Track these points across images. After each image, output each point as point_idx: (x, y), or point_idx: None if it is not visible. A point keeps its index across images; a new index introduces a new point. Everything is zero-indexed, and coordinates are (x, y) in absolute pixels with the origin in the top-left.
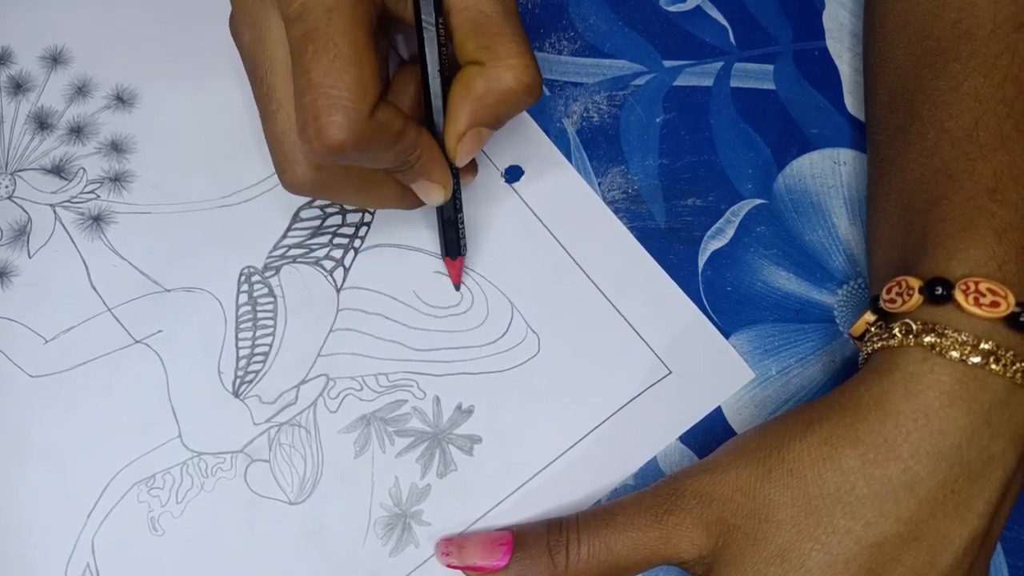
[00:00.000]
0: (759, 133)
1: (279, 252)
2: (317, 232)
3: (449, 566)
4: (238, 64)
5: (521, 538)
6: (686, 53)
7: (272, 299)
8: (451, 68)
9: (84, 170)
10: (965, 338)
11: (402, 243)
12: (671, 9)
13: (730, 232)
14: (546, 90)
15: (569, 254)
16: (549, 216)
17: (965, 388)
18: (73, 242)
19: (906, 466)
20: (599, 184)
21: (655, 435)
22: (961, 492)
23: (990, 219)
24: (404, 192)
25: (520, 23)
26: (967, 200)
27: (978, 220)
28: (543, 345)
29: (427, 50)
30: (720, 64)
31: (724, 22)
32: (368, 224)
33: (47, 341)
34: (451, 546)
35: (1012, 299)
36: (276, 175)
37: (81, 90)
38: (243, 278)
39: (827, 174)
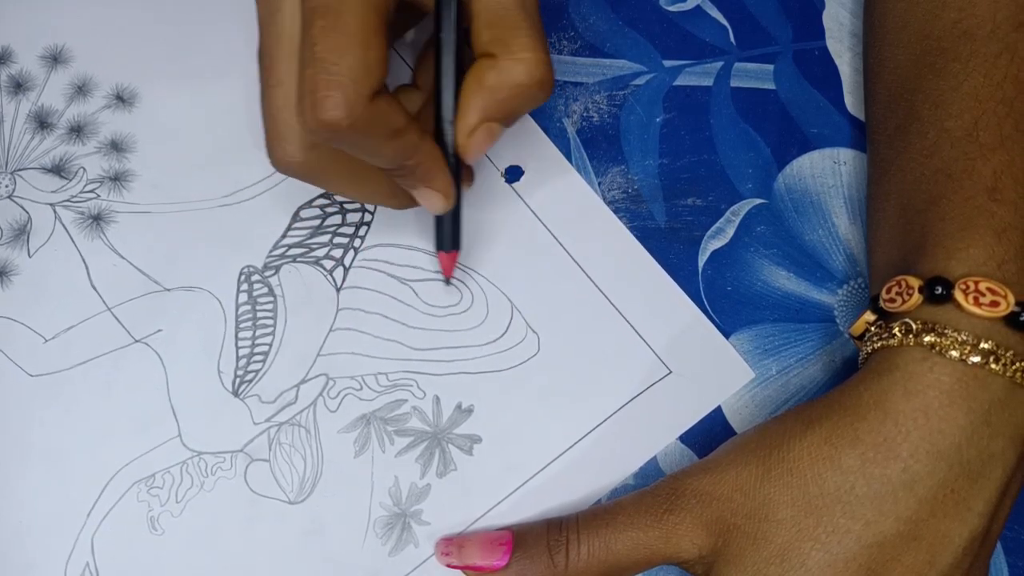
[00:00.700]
0: (759, 133)
1: (279, 251)
2: (317, 231)
3: (449, 566)
4: (238, 63)
5: (521, 538)
6: (686, 53)
7: (272, 298)
8: (467, 62)
9: (84, 169)
10: (965, 337)
11: (402, 243)
12: (671, 9)
13: (730, 232)
14: None
15: (569, 254)
16: (549, 216)
17: (965, 387)
18: (73, 241)
19: (906, 465)
20: (599, 184)
21: (655, 435)
22: (961, 491)
23: (990, 219)
24: (395, 190)
25: (538, 18)
26: (967, 200)
27: (978, 220)
28: (543, 344)
29: (443, 39)
30: (720, 64)
31: (724, 22)
32: (368, 224)
33: (47, 340)
34: (451, 546)
35: (1012, 299)
36: (267, 152)
37: (81, 89)
38: (243, 277)
39: (827, 174)
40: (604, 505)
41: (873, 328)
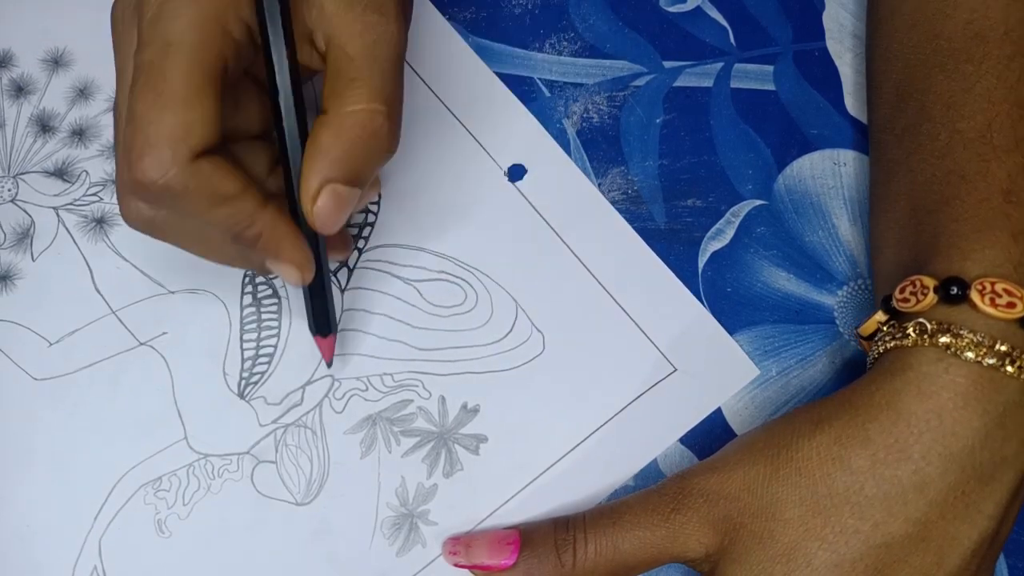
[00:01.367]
0: (759, 134)
1: None
2: None
3: (456, 565)
4: None
5: (528, 537)
6: (686, 54)
7: (276, 300)
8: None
9: (87, 172)
10: (981, 339)
11: (406, 243)
12: (671, 9)
13: (730, 233)
14: (546, 90)
15: (573, 252)
16: (552, 214)
17: (980, 390)
18: (76, 245)
19: (917, 467)
20: (599, 185)
21: (661, 432)
22: (971, 494)
23: (1005, 220)
24: (248, 254)
25: (390, 64)
26: (981, 201)
27: (994, 221)
28: (548, 343)
29: (280, 99)
30: (720, 65)
31: (724, 23)
32: (372, 224)
33: (51, 344)
34: (458, 545)
35: None
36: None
37: (83, 93)
38: (247, 279)
39: (827, 175)
40: (611, 504)
41: (885, 328)
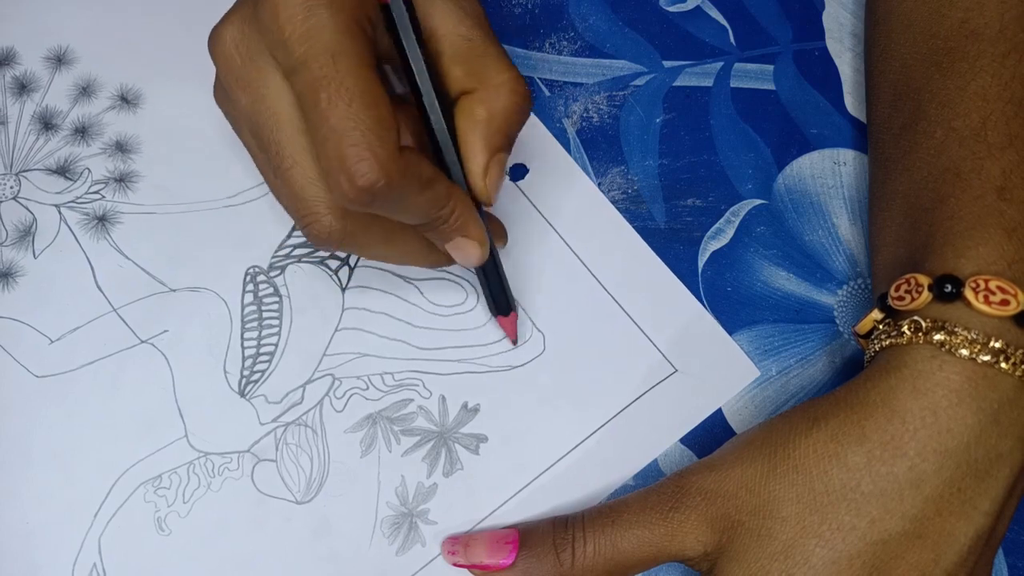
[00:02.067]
0: (759, 133)
1: (284, 252)
2: None
3: (455, 565)
4: None
5: (527, 536)
6: (686, 53)
7: (277, 299)
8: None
9: (89, 170)
10: (975, 336)
11: None
12: (671, 9)
13: (730, 232)
14: (546, 90)
15: (574, 252)
16: (554, 214)
17: (974, 386)
18: (78, 242)
19: (912, 464)
20: (599, 185)
21: (662, 432)
22: (967, 490)
23: (999, 218)
24: (430, 248)
25: (496, 38)
26: (976, 199)
27: (987, 219)
28: (549, 343)
29: (421, 88)
30: (720, 64)
31: (724, 22)
32: None
33: (52, 341)
34: (457, 545)
35: (1022, 297)
36: (303, 232)
37: (85, 90)
38: (248, 278)
39: (827, 174)
40: (610, 503)
41: (881, 326)
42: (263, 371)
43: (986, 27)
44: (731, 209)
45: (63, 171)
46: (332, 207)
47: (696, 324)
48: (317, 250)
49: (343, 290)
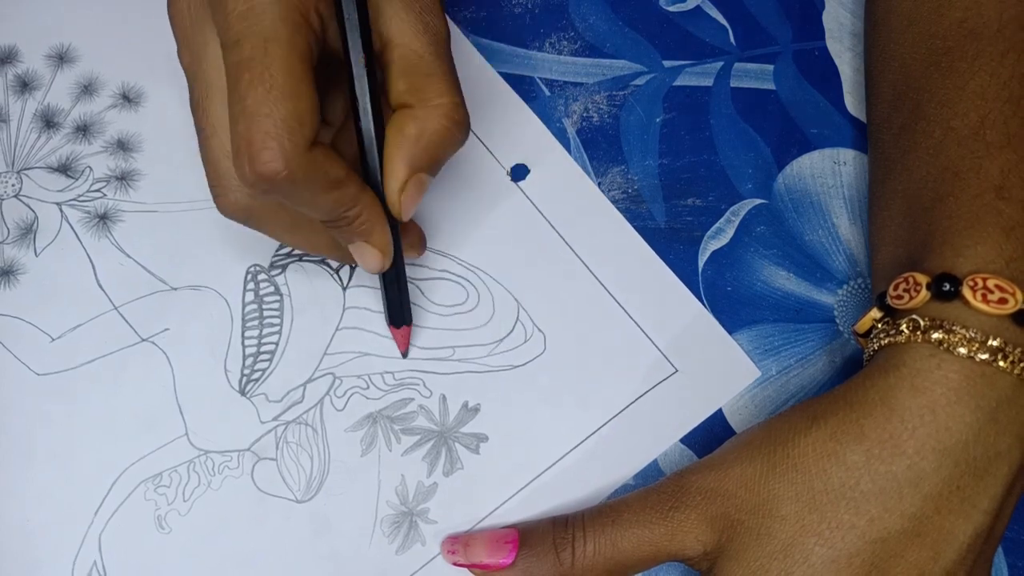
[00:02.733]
0: (759, 133)
1: (285, 250)
2: None
3: (455, 564)
4: None
5: (527, 536)
6: (686, 53)
7: (278, 297)
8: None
9: (90, 168)
10: (973, 334)
11: None
12: (671, 9)
13: (730, 232)
14: (546, 90)
15: (575, 252)
16: (555, 214)
17: (972, 385)
18: (79, 240)
19: (911, 462)
20: (599, 184)
21: (662, 432)
22: (966, 489)
23: (997, 216)
24: (337, 243)
25: (451, 61)
26: (974, 198)
27: (986, 217)
28: (549, 343)
29: (359, 99)
30: (720, 64)
31: (724, 22)
32: None
33: (53, 339)
34: (457, 544)
35: (1020, 296)
36: (212, 199)
37: (87, 89)
38: (249, 276)
39: (827, 174)
40: (609, 503)
41: (880, 325)
42: (264, 370)
43: (985, 26)
44: (731, 209)
45: (65, 169)
46: (242, 184)
47: (696, 324)
48: None
49: (344, 289)
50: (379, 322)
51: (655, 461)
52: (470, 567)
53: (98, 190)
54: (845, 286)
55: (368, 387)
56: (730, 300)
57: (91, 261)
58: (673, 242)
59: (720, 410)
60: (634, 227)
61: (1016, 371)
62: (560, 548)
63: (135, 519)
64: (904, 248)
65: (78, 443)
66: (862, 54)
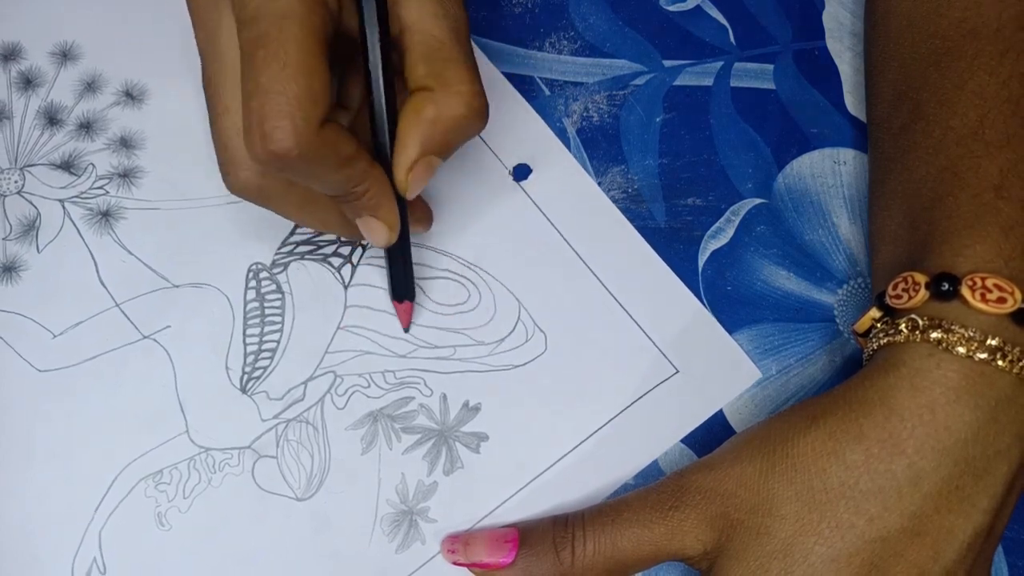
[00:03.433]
0: (759, 133)
1: (287, 249)
2: None
3: (455, 563)
4: None
5: (527, 535)
6: (686, 53)
7: (280, 295)
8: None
9: (93, 166)
10: (972, 334)
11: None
12: (671, 9)
13: (730, 232)
14: (546, 90)
15: (576, 252)
16: (556, 214)
17: (971, 384)
18: (82, 237)
19: (911, 461)
20: (599, 184)
21: (662, 433)
22: (966, 488)
23: (996, 216)
24: (347, 220)
25: (471, 49)
26: (973, 197)
27: (984, 217)
28: (550, 343)
29: (372, 74)
30: (720, 64)
31: (724, 22)
32: None
33: (55, 336)
34: (457, 543)
35: (1019, 295)
36: (222, 177)
37: (90, 86)
38: (251, 274)
39: (827, 174)
40: (609, 502)
41: (879, 324)
42: (265, 367)
43: (984, 26)
44: (731, 208)
45: (67, 166)
46: (253, 163)
47: (696, 324)
48: (321, 248)
49: (345, 288)
50: (381, 321)
51: (655, 461)
52: (470, 566)
53: (100, 187)
54: (845, 286)
55: (369, 386)
56: (730, 300)
57: (93, 258)
58: (673, 242)
59: (720, 410)
60: (634, 227)
61: (1015, 370)
62: (560, 547)
63: (135, 516)
64: (903, 248)
65: (79, 439)
66: (862, 54)
